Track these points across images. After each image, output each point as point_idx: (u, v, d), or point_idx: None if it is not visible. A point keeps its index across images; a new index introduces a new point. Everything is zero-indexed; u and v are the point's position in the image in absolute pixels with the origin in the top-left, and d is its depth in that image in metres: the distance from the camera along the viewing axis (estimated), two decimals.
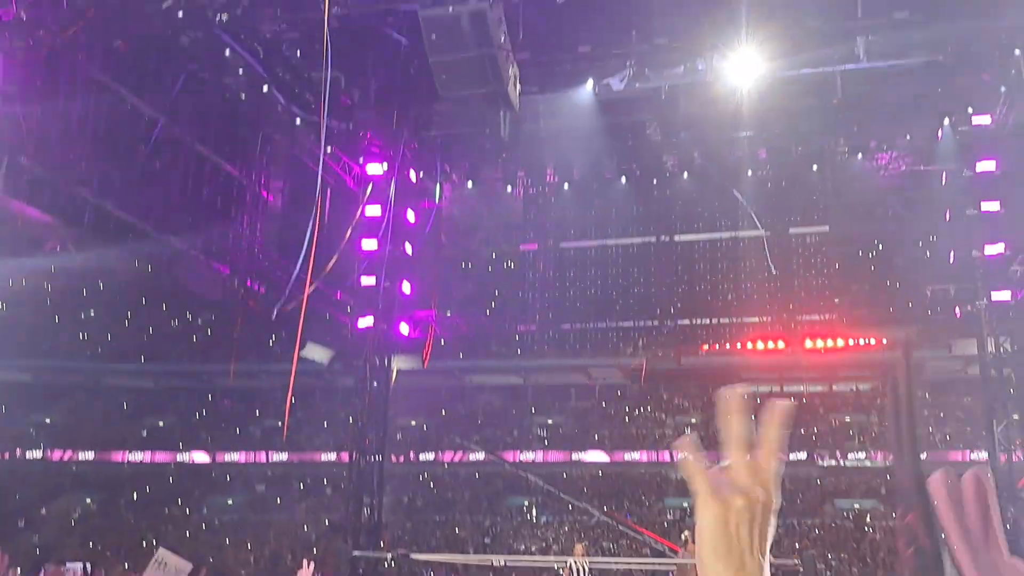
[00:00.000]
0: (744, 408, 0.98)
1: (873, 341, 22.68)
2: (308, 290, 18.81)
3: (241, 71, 17.57)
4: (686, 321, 25.46)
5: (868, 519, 25.86)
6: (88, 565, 15.82)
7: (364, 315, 21.66)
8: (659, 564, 16.98)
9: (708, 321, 24.96)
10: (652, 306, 25.71)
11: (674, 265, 25.88)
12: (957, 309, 19.34)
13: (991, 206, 17.84)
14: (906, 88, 18.16)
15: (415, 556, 13.89)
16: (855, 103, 18.68)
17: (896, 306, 22.88)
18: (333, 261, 19.78)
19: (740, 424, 0.94)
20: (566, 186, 24.99)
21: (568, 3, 15.61)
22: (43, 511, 27.87)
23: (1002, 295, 17.77)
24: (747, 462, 0.96)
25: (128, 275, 25.23)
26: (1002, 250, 17.92)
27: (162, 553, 10.81)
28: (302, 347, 21.06)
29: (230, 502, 29.63)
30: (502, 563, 14.64)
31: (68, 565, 14.34)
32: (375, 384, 21.52)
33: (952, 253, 19.71)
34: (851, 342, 22.95)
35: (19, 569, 12.80)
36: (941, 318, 20.23)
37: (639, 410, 28.86)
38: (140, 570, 11.23)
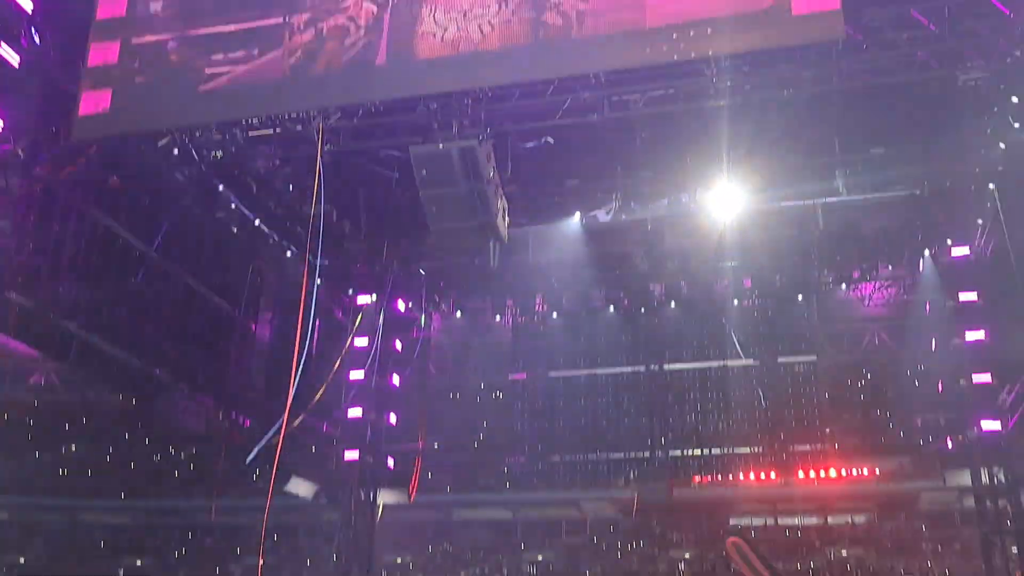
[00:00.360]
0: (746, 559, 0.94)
1: (866, 472, 22.42)
2: (293, 423, 18.60)
3: (233, 205, 17.89)
4: (677, 452, 25.14)
5: None
6: None
7: (350, 448, 21.38)
8: None
9: (699, 452, 24.67)
10: (643, 437, 25.43)
11: (664, 394, 25.76)
12: (949, 440, 19.24)
13: (976, 336, 18.00)
14: (886, 220, 18.63)
15: None
16: (837, 235, 19.10)
17: (888, 436, 22.74)
18: (320, 393, 19.65)
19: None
20: (555, 315, 25.16)
21: (555, 139, 16.11)
22: None
23: (992, 425, 17.73)
24: None
25: (112, 408, 24.94)
26: (989, 379, 17.97)
27: None
28: (286, 481, 20.70)
29: None
30: None
31: None
32: (360, 519, 21.04)
33: (940, 383, 19.75)
34: (844, 472, 22.68)
35: None
36: (933, 448, 20.10)
37: (631, 545, 28.12)
38: None
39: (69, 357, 16.59)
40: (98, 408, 25.42)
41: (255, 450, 17.07)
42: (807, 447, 22.52)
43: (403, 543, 25.22)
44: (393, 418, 22.56)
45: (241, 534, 24.11)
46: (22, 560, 28.17)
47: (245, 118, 14.91)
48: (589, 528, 26.98)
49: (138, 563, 28.99)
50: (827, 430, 23.25)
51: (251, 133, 15.23)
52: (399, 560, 26.28)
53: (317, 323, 20.40)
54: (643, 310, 24.48)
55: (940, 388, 19.64)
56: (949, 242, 18.46)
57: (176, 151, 15.92)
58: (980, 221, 17.49)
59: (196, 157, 16.13)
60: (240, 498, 21.37)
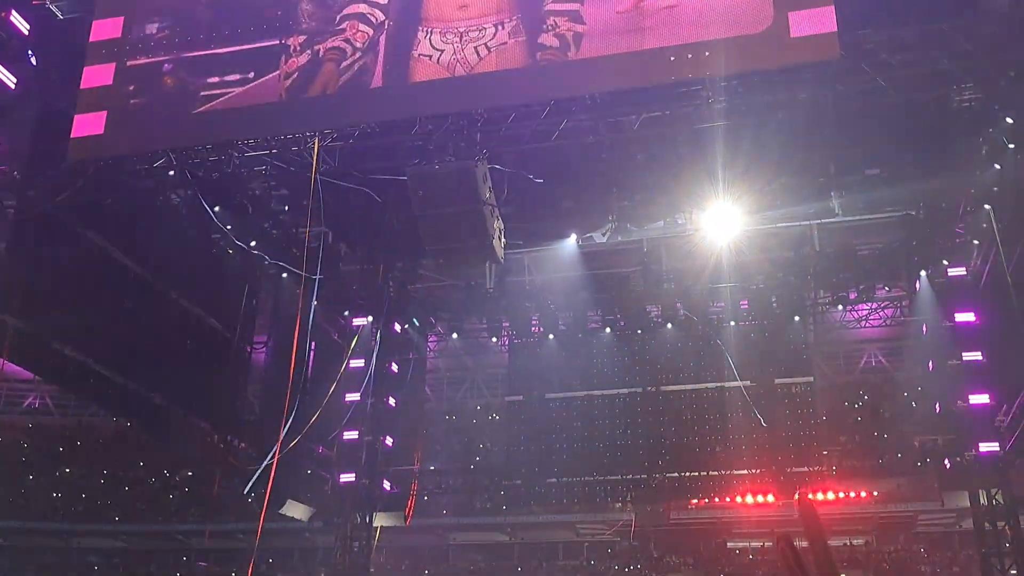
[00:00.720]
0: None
1: (864, 494, 22.30)
2: (289, 445, 18.49)
3: (228, 227, 17.85)
4: (674, 474, 24.96)
5: None
6: None
7: (346, 471, 21.28)
8: None
9: (697, 473, 24.52)
10: (640, 459, 25.25)
11: (661, 416, 25.61)
12: (947, 461, 19.15)
13: (973, 356, 17.96)
14: (882, 241, 18.66)
15: None
16: (833, 256, 19.10)
17: (885, 457, 22.64)
18: (316, 416, 19.55)
19: None
20: (551, 337, 25.07)
21: (551, 161, 16.12)
22: None
23: (990, 446, 17.66)
24: None
25: (106, 432, 24.88)
26: (987, 400, 17.92)
27: None
28: (281, 504, 20.55)
29: None
30: None
31: None
32: (356, 543, 20.89)
33: (937, 404, 19.69)
34: (841, 495, 22.56)
35: None
36: (931, 470, 20.00)
37: (628, 568, 27.96)
38: None
39: (64, 380, 16.53)
40: (93, 431, 25.36)
41: (252, 480, 16.92)
42: (805, 468, 22.37)
43: (399, 567, 25.04)
44: (390, 440, 22.46)
45: (236, 557, 23.91)
46: None
47: (240, 140, 14.89)
48: (586, 551, 26.83)
49: None
50: (824, 452, 23.12)
51: (246, 155, 15.21)
52: None
53: (313, 345, 20.37)
54: (640, 331, 24.44)
55: (937, 409, 19.57)
56: (945, 263, 18.46)
57: (171, 173, 15.91)
58: (976, 242, 17.50)
59: (191, 179, 16.13)
60: (235, 521, 21.21)
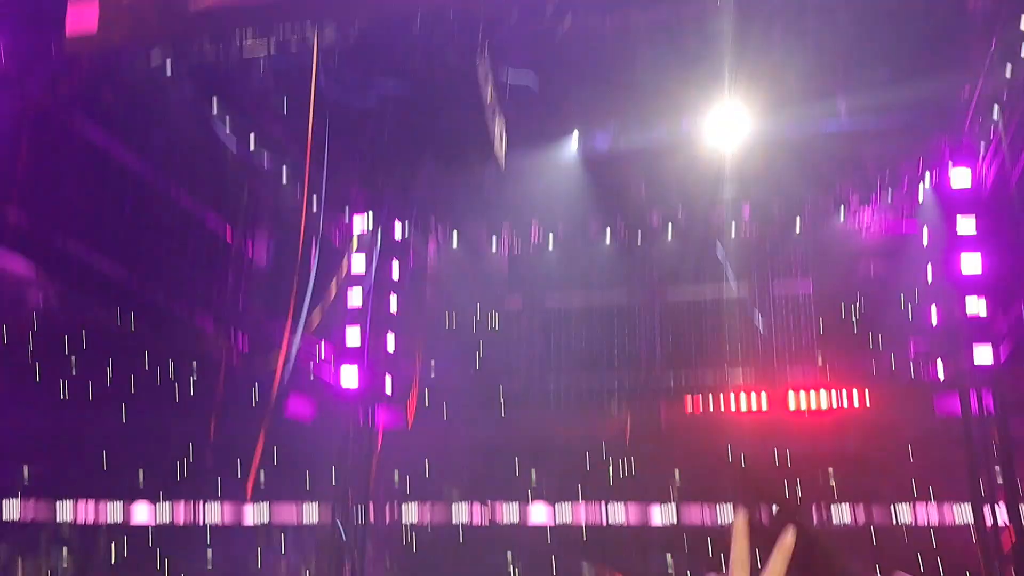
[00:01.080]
0: (746, 533, 0.99)
1: (856, 400, 22.62)
2: (291, 346, 18.73)
3: (227, 125, 17.71)
4: (670, 378, 25.36)
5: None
6: None
7: (348, 372, 21.59)
8: None
9: (692, 379, 24.88)
10: (637, 363, 25.61)
11: (659, 322, 25.90)
12: (941, 368, 19.41)
13: (972, 264, 18.04)
14: (887, 146, 18.50)
15: None
16: (836, 161, 18.98)
17: (879, 365, 22.89)
18: (318, 318, 19.74)
19: (741, 548, 0.95)
20: (551, 243, 25.13)
21: (556, 62, 15.88)
22: (20, 566, 27.25)
23: (984, 354, 17.88)
24: None
25: (111, 330, 25.07)
26: (984, 308, 18.06)
27: None
28: (282, 404, 20.90)
29: (210, 556, 29.01)
30: None
31: None
32: (358, 442, 21.37)
33: (935, 311, 19.84)
34: (834, 402, 22.92)
35: None
36: (924, 377, 20.27)
37: (623, 468, 28.61)
38: None
39: (66, 278, 16.62)
40: (97, 330, 25.57)
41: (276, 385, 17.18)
42: (799, 375, 22.70)
43: (400, 466, 25.57)
44: (390, 343, 22.73)
45: (241, 455, 24.41)
46: (26, 471, 28.64)
47: (239, 35, 14.64)
48: (582, 452, 27.34)
49: (140, 478, 29.47)
50: (819, 359, 23.42)
51: (245, 50, 14.98)
52: (396, 482, 26.70)
53: (313, 246, 20.42)
54: (640, 239, 24.47)
55: (934, 317, 19.74)
56: (950, 169, 18.38)
57: (168, 69, 15.69)
58: (982, 148, 17.39)
59: (189, 76, 15.91)
60: (239, 420, 21.58)
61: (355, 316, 21.38)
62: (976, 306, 17.93)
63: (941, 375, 19.47)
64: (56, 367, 28.19)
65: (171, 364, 27.11)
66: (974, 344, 17.76)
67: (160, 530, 29.40)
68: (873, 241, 23.70)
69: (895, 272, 23.42)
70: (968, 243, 18.11)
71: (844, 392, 21.88)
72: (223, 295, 19.90)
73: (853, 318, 25.21)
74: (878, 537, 25.02)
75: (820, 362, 23.49)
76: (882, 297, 24.02)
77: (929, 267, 20.05)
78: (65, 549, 28.58)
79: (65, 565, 28.62)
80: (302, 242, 19.74)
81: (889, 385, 22.45)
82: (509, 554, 28.68)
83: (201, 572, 28.45)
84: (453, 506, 29.47)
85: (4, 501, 28.41)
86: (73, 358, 28.43)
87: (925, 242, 20.27)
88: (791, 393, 22.54)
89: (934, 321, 19.82)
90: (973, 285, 18.01)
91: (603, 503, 28.90)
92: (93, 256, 16.28)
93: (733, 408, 24.09)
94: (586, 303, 26.67)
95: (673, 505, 28.59)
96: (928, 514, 24.70)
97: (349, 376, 21.39)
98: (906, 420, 22.81)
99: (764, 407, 23.55)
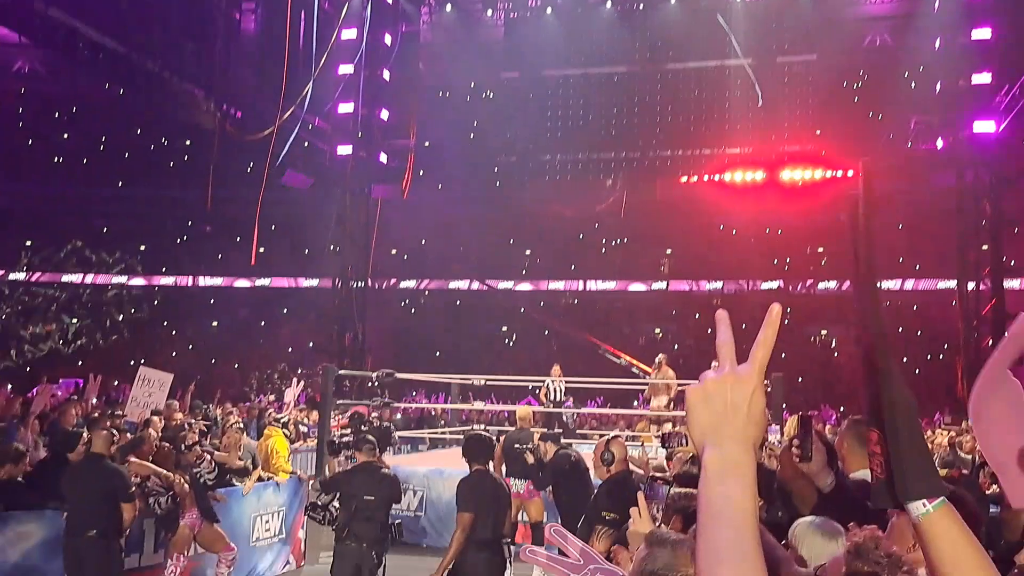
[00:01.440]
0: (728, 320, 1.06)
1: (852, 172, 22.66)
2: (283, 116, 18.50)
3: None
4: (667, 152, 25.26)
5: (834, 344, 26.81)
6: (80, 383, 16.14)
7: (343, 143, 21.44)
8: (632, 384, 17.64)
9: (689, 152, 24.78)
10: (634, 137, 25.41)
11: (659, 95, 25.47)
12: (940, 139, 19.35)
13: (982, 33, 17.56)
14: None
15: (399, 376, 14.28)
16: None
17: (878, 137, 22.78)
18: (309, 87, 19.35)
19: (726, 333, 1.01)
20: (549, 11, 24.24)
21: None
22: (29, 332, 28.24)
23: (985, 126, 17.75)
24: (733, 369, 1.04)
25: (100, 99, 24.62)
26: (989, 80, 17.77)
27: (143, 371, 11.17)
28: (280, 174, 20.91)
29: (215, 324, 30.12)
30: (482, 383, 15.06)
31: (61, 382, 14.65)
32: (355, 212, 21.58)
33: (939, 83, 19.52)
34: (830, 173, 22.98)
35: (9, 387, 13.03)
36: (922, 149, 20.23)
37: (616, 241, 29.16)
38: (131, 385, 11.56)
39: (53, 44, 16.11)
40: (87, 98, 25.12)
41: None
42: (797, 147, 22.62)
43: (397, 238, 25.96)
44: (385, 114, 22.42)
45: (238, 224, 24.77)
46: (28, 243, 29.12)
47: None
48: (576, 224, 27.72)
49: (142, 248, 30.06)
50: (818, 131, 23.26)
51: None
52: (393, 252, 27.22)
53: (303, 14, 19.70)
54: (642, 6, 23.60)
55: (938, 88, 19.44)
56: None
57: None
58: None
59: None
60: (235, 188, 21.68)
61: (348, 86, 20.94)
62: (981, 76, 17.64)
63: (939, 145, 19.41)
64: (48, 138, 27.98)
65: (164, 135, 26.92)
66: (975, 114, 17.62)
67: (163, 297, 30.32)
68: (881, 9, 22.95)
69: (901, 40, 22.82)
70: (980, 11, 17.56)
71: (840, 168, 21.86)
72: (214, 65, 19.37)
73: (855, 87, 24.84)
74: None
75: (818, 134, 23.36)
76: (886, 66, 23.51)
77: (937, 39, 19.52)
78: (71, 316, 29.56)
79: (73, 330, 29.68)
80: (290, 8, 19.06)
81: (886, 157, 22.45)
82: (504, 325, 29.82)
83: (206, 336, 29.63)
84: (449, 278, 30.29)
85: (10, 271, 29.07)
86: (64, 129, 28.16)
87: (936, 6, 19.60)
88: (787, 167, 22.54)
89: (937, 92, 19.54)
90: (981, 54, 17.63)
91: (596, 277, 29.70)
92: (81, 23, 15.71)
93: (728, 181, 24.17)
94: (584, 74, 26.07)
95: (664, 281, 29.39)
96: (915, 285, 25.54)
97: (344, 145, 21.29)
98: (900, 192, 23.02)
99: (759, 180, 23.63)
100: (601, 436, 14.89)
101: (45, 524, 6.91)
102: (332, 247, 22.06)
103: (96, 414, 9.97)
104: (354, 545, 6.34)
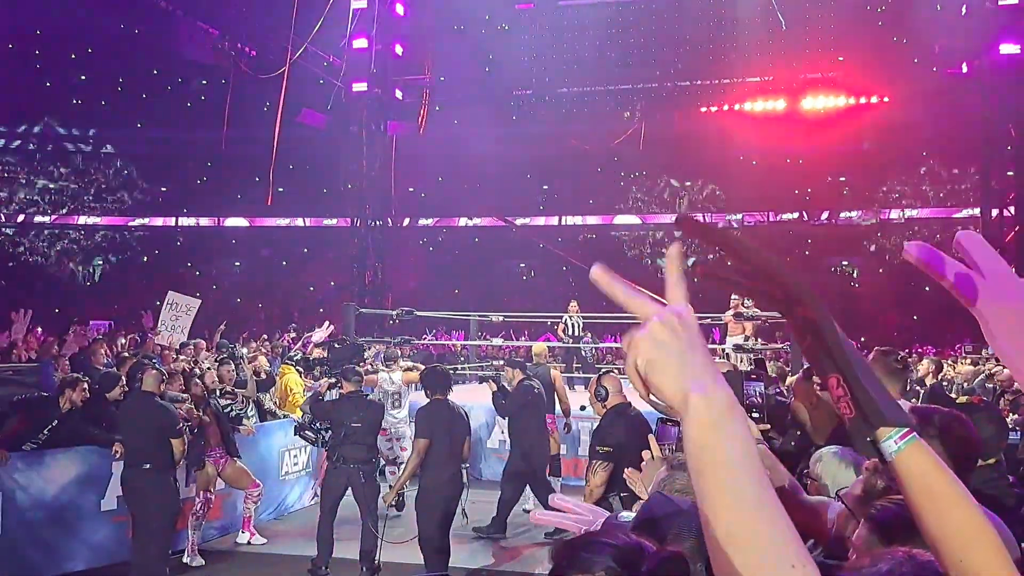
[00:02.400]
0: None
1: (875, 99, 22.33)
2: (296, 53, 18.33)
3: None
4: (686, 83, 24.90)
5: (855, 274, 26.69)
6: (111, 324, 16.39)
7: (358, 80, 21.23)
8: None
9: (708, 82, 24.41)
10: (652, 68, 25.02)
11: (676, 24, 24.97)
12: (964, 64, 18.95)
13: None
14: None
15: (419, 313, 14.36)
16: None
17: (902, 62, 22.32)
18: (321, 22, 19.13)
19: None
20: None
21: None
22: (57, 274, 28.58)
23: (1011, 48, 17.35)
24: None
25: (117, 38, 24.49)
26: (1017, 1, 17.31)
27: (171, 295, 11.59)
28: (296, 113, 20.83)
29: (237, 264, 30.35)
30: (500, 319, 15.14)
31: (92, 324, 14.84)
32: (373, 150, 21.49)
33: (965, 5, 19.03)
34: (853, 100, 22.62)
35: (39, 329, 13.23)
36: (947, 74, 19.84)
37: (635, 174, 28.92)
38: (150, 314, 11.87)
39: None
40: (102, 38, 24.94)
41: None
42: (818, 74, 22.22)
43: (414, 173, 25.86)
44: (399, 49, 22.16)
45: (254, 162, 24.78)
46: (51, 186, 29.29)
47: None
48: (594, 158, 27.47)
49: (163, 189, 30.16)
50: (841, 58, 22.80)
51: None
52: (411, 189, 27.16)
53: None
54: None
55: (964, 11, 18.95)
56: None
57: None
58: None
59: None
60: (253, 127, 21.62)
61: (361, 21, 20.66)
62: None
63: (964, 69, 19.02)
64: (63, 77, 27.89)
65: (180, 75, 26.73)
66: (1001, 37, 17.21)
67: (186, 238, 30.52)
68: None
69: None
70: None
71: (863, 95, 21.48)
72: (228, 2, 19.16)
73: (879, 10, 24.24)
74: (883, 231, 25.77)
75: (840, 61, 22.92)
76: None
77: None
78: (98, 256, 29.86)
79: (100, 270, 30.01)
80: None
81: (911, 81, 22.04)
82: (523, 261, 29.81)
83: (229, 275, 29.84)
84: (467, 215, 30.22)
85: (35, 213, 29.32)
86: (81, 70, 28.03)
87: None
88: (809, 95, 22.19)
89: (964, 14, 19.06)
90: None
91: (615, 211, 29.51)
92: None
93: (749, 111, 23.85)
94: (601, 2, 25.54)
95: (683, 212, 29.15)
96: (938, 213, 25.25)
97: (359, 82, 21.11)
98: (924, 119, 22.63)
99: (780, 109, 23.32)
100: (619, 371, 15.02)
101: (81, 461, 7.16)
102: (349, 185, 22.04)
103: (126, 354, 10.19)
104: (343, 467, 6.91)
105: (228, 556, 7.72)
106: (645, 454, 3.29)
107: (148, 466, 6.39)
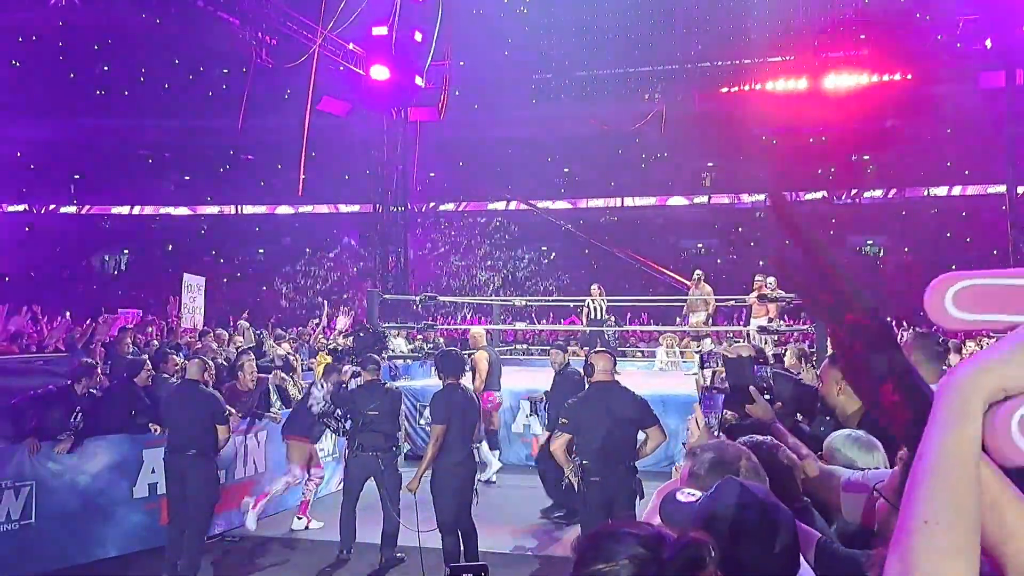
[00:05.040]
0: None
1: (899, 76, 22.09)
2: (315, 45, 18.38)
3: None
4: (706, 63, 24.77)
5: (881, 254, 26.48)
6: (137, 313, 16.56)
7: (378, 66, 21.25)
8: (672, 301, 17.63)
9: (729, 62, 24.25)
10: (672, 49, 24.89)
11: (696, 5, 24.80)
12: (988, 40, 18.69)
13: None
14: None
15: (442, 298, 14.45)
16: None
17: (926, 37, 22.05)
18: (342, 6, 19.16)
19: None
20: None
21: None
22: (84, 264, 28.93)
23: None
24: None
25: (138, 29, 24.67)
26: None
27: (187, 277, 11.99)
28: (317, 101, 20.87)
29: (260, 252, 30.59)
30: (523, 304, 15.18)
31: (120, 312, 15.02)
32: (393, 136, 21.55)
33: None
34: (876, 78, 22.39)
35: (68, 313, 13.39)
36: (971, 50, 19.57)
37: (656, 155, 28.81)
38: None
39: None
40: (124, 29, 25.15)
41: None
42: (840, 53, 22.00)
43: (435, 159, 25.92)
44: (418, 35, 22.16)
45: (277, 151, 24.94)
46: (76, 177, 29.64)
47: None
48: (615, 140, 27.41)
49: (186, 179, 30.43)
50: (863, 36, 22.56)
51: None
52: (432, 174, 27.21)
53: None
54: None
55: None
56: None
57: None
58: None
59: None
60: (274, 117, 21.77)
61: (381, 7, 20.66)
62: None
63: (988, 45, 18.74)
64: (89, 70, 28.17)
65: (201, 64, 26.89)
66: None
67: (209, 227, 30.77)
68: None
69: None
70: None
71: (886, 72, 21.24)
72: None
73: None
74: (908, 209, 25.55)
75: (863, 39, 22.68)
76: None
77: None
78: (123, 246, 30.19)
79: (124, 261, 30.36)
80: None
81: (934, 58, 21.79)
82: (544, 245, 29.77)
83: (252, 262, 30.06)
84: (488, 199, 30.23)
85: (60, 204, 29.68)
86: (104, 61, 28.27)
87: None
88: (831, 73, 21.98)
89: None
90: None
91: (636, 193, 29.42)
92: None
93: (771, 90, 23.68)
94: None
95: (705, 195, 29.01)
96: (963, 191, 24.98)
97: (379, 68, 21.13)
98: (949, 96, 22.37)
99: (802, 88, 23.12)
100: (643, 354, 15.02)
101: (113, 448, 7.29)
102: (371, 172, 22.14)
103: (155, 342, 10.37)
104: (363, 455, 6.98)
105: (256, 541, 7.77)
106: (690, 422, 3.40)
107: (193, 452, 6.60)
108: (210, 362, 7.23)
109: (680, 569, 1.12)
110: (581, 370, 7.57)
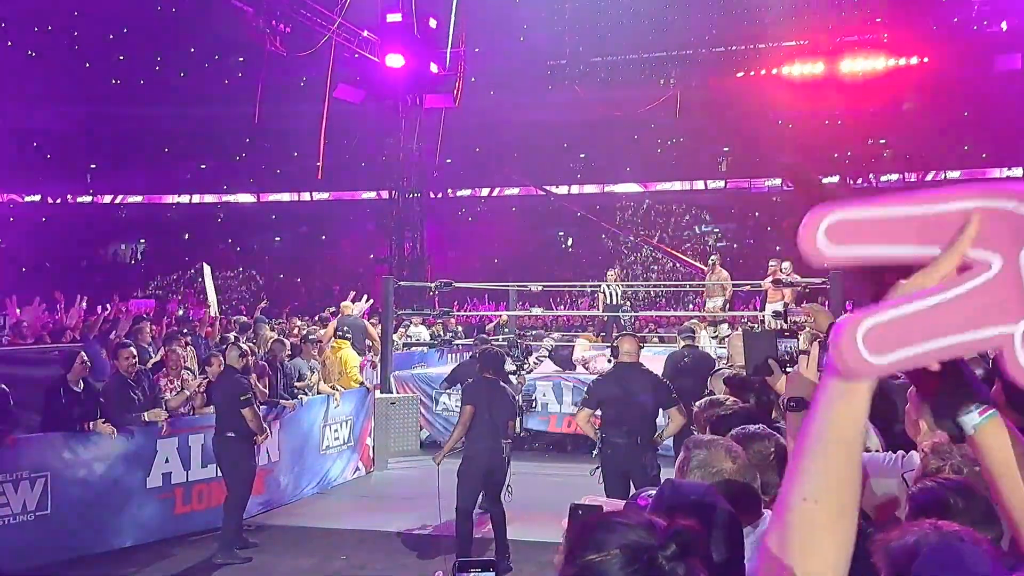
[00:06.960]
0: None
1: (915, 60, 21.88)
2: (326, 34, 18.40)
3: None
4: (721, 48, 24.57)
5: None
6: (153, 303, 16.75)
7: (393, 53, 21.25)
8: (688, 286, 17.65)
9: (744, 47, 24.06)
10: (687, 34, 24.69)
11: None
12: (1004, 22, 18.53)
13: None
14: None
15: (458, 285, 14.47)
16: None
17: (941, 22, 21.82)
18: None
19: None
20: None
21: None
22: (101, 252, 29.15)
23: None
24: None
25: (153, 17, 24.81)
26: None
27: (205, 268, 12.31)
28: (334, 87, 20.92)
29: (277, 239, 30.74)
30: (539, 288, 15.19)
31: (132, 303, 15.18)
32: (410, 123, 21.58)
33: None
34: (892, 62, 22.20)
35: (85, 298, 13.46)
36: (987, 32, 19.40)
37: (672, 140, 28.71)
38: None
39: None
40: (139, 18, 25.30)
41: None
42: (855, 37, 21.79)
43: (451, 145, 25.92)
44: (433, 22, 22.13)
45: (294, 136, 25.02)
46: (92, 166, 29.83)
47: None
48: (630, 126, 27.32)
49: (202, 166, 30.57)
50: (879, 19, 22.35)
51: None
52: (449, 161, 27.24)
53: None
54: None
55: None
56: None
57: None
58: None
59: None
60: (290, 105, 21.83)
61: None
62: None
63: (1004, 27, 18.60)
64: (105, 59, 28.30)
65: (217, 53, 26.96)
66: None
67: (226, 214, 30.93)
68: None
69: None
70: None
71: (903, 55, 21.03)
72: None
73: None
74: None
75: (879, 22, 22.45)
76: None
77: None
78: (139, 235, 30.39)
79: (141, 249, 30.58)
80: None
81: (950, 41, 21.56)
82: (560, 230, 29.79)
83: (269, 250, 30.22)
84: (504, 185, 30.25)
85: (76, 194, 29.88)
86: (119, 50, 28.40)
87: None
88: (847, 57, 21.78)
89: None
90: None
91: (652, 178, 29.34)
92: None
93: (786, 75, 23.50)
94: None
95: (722, 180, 28.91)
96: (981, 174, 24.75)
97: (394, 56, 21.13)
98: (965, 79, 22.16)
99: (819, 72, 22.93)
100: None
101: (126, 439, 7.35)
102: (387, 158, 22.19)
103: (172, 330, 10.50)
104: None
105: (271, 531, 7.82)
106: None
107: (232, 434, 7.12)
108: (246, 347, 7.69)
109: (671, 557, 1.13)
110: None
